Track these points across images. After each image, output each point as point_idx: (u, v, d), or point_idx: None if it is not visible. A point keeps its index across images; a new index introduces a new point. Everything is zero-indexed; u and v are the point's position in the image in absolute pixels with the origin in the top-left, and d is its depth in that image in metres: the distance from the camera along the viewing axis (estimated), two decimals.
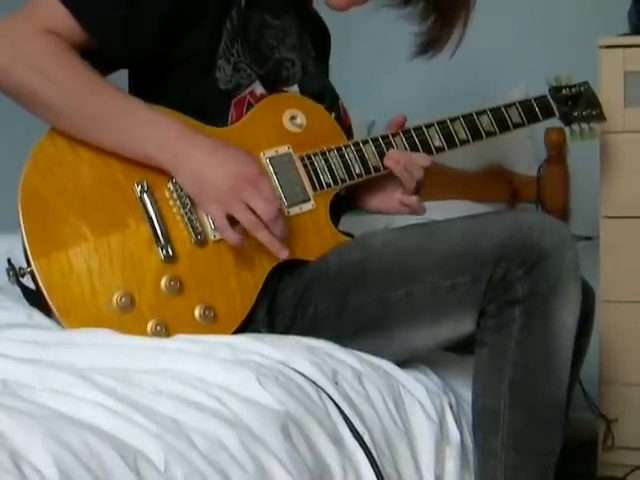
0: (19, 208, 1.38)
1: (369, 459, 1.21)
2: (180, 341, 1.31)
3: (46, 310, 1.38)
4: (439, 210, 2.23)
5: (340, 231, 1.57)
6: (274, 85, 1.57)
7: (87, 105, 1.37)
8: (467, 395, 1.50)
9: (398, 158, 1.59)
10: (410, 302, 1.41)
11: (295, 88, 1.61)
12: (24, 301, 1.52)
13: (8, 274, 1.41)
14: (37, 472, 0.89)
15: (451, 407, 1.45)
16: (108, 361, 1.21)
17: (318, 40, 1.73)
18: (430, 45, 1.65)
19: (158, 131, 1.38)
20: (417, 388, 1.41)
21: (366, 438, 1.23)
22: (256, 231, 1.38)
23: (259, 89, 1.54)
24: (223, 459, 1.03)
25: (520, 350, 1.39)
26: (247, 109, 1.53)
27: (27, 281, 1.41)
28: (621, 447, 2.19)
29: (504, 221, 1.41)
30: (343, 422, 1.23)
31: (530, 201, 2.81)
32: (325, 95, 1.66)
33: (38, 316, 1.46)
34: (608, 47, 2.30)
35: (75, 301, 1.35)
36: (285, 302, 1.47)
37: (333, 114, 1.64)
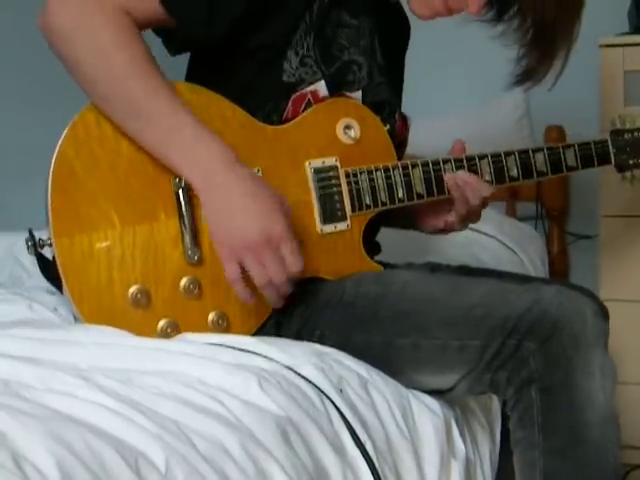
0: (49, 180, 1.33)
1: (370, 467, 1.20)
2: (183, 343, 1.31)
3: (60, 285, 1.36)
4: None
5: (370, 256, 1.53)
6: (339, 88, 1.52)
7: (132, 96, 1.32)
8: (470, 410, 1.50)
9: (458, 181, 1.54)
10: (416, 352, 1.37)
11: (358, 95, 1.55)
12: (24, 293, 1.52)
13: (27, 244, 1.38)
14: (38, 472, 0.89)
15: (456, 421, 1.43)
16: (110, 361, 1.21)
17: (393, 41, 1.66)
18: (528, 76, 1.58)
19: (195, 149, 1.32)
20: (427, 398, 1.40)
21: (368, 446, 1.22)
22: (263, 288, 1.34)
23: (323, 91, 1.50)
24: (223, 461, 1.03)
25: (545, 434, 1.31)
26: (305, 108, 1.48)
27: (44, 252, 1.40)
28: (621, 446, 2.19)
29: (525, 293, 1.35)
30: (345, 429, 1.22)
31: (530, 200, 2.82)
32: (384, 106, 1.59)
33: (38, 307, 1.47)
34: (608, 46, 2.31)
35: (90, 287, 1.33)
36: (294, 318, 1.44)
37: (388, 126, 1.58)
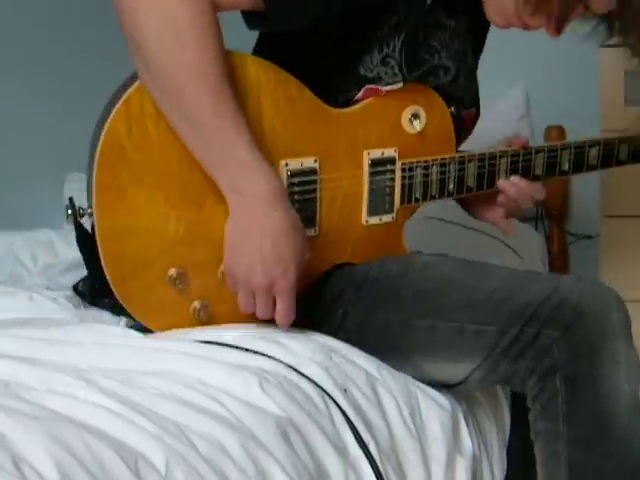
0: (97, 154, 1.28)
1: (373, 468, 1.20)
2: (184, 343, 1.30)
3: (96, 258, 1.32)
4: (439, 208, 2.22)
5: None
6: None
7: (189, 97, 1.24)
8: (477, 403, 1.50)
9: (512, 189, 1.53)
10: (432, 335, 1.36)
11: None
12: (24, 286, 1.52)
13: (66, 213, 1.34)
14: (37, 474, 0.89)
15: (464, 416, 1.42)
16: (111, 362, 1.21)
17: (478, 39, 1.63)
18: None
19: (241, 177, 1.27)
20: (436, 393, 1.39)
21: (371, 446, 1.21)
22: (243, 310, 1.35)
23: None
24: (224, 462, 1.03)
25: (570, 425, 1.29)
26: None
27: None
28: None
29: (545, 281, 1.34)
30: (348, 429, 1.21)
31: None
32: (455, 99, 1.55)
33: (38, 297, 1.47)
34: (608, 46, 2.30)
35: (126, 262, 1.32)
36: (324, 300, 1.44)
37: (452, 108, 1.53)
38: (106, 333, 1.32)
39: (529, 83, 2.87)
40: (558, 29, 1.46)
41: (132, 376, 1.16)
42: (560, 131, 2.75)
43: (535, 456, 1.34)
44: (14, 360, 1.17)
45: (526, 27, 1.49)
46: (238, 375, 1.19)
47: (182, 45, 1.22)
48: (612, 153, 1.62)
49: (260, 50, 1.49)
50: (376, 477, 1.19)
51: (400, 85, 1.44)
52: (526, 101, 2.91)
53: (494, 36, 2.64)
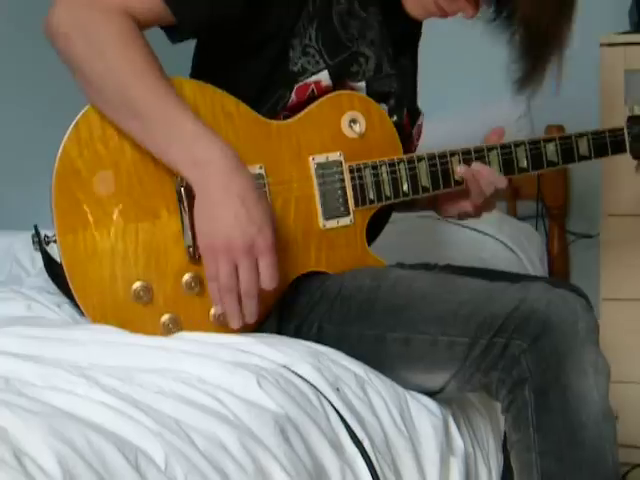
0: (53, 179, 1.34)
1: (368, 465, 1.20)
2: (183, 341, 1.31)
3: (65, 285, 1.37)
4: None
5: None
6: (342, 78, 1.50)
7: (131, 95, 1.30)
8: (470, 403, 1.50)
9: (473, 172, 1.53)
10: (407, 348, 1.37)
11: (362, 85, 1.53)
12: (23, 292, 1.52)
13: (33, 241, 1.39)
14: (39, 468, 0.90)
15: (454, 417, 1.43)
16: (111, 359, 1.21)
17: (404, 36, 1.63)
18: (526, 82, 1.57)
19: (194, 148, 1.30)
20: (424, 398, 1.40)
21: (366, 444, 1.22)
22: (225, 294, 1.31)
23: (326, 80, 1.48)
24: (223, 459, 1.04)
25: (540, 435, 1.29)
26: (309, 97, 1.47)
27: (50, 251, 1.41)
28: (621, 445, 2.17)
29: (514, 292, 1.35)
30: (343, 427, 1.22)
31: (530, 198, 2.82)
32: (391, 97, 1.58)
33: (36, 306, 1.47)
34: (609, 45, 2.31)
35: (94, 284, 1.34)
36: (295, 312, 1.44)
37: (395, 117, 1.57)
38: (104, 332, 1.32)
39: None
40: (475, 10, 1.51)
41: (132, 373, 1.16)
42: (560, 130, 2.75)
43: None
44: (14, 357, 1.17)
45: (444, 14, 1.53)
46: (236, 373, 1.19)
47: (108, 55, 1.30)
48: (571, 148, 1.62)
49: (196, 73, 1.53)
50: (371, 474, 1.20)
51: (325, 73, 1.47)
52: (526, 101, 2.91)
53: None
